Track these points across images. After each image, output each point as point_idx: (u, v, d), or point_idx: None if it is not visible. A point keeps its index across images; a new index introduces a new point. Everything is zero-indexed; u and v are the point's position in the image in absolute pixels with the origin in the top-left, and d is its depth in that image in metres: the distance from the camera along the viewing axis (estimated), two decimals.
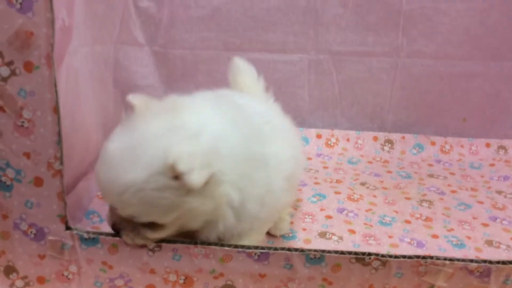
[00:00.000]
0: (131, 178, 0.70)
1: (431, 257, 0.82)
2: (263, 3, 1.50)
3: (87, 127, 1.19)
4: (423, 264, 0.82)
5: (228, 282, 0.85)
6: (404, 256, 0.82)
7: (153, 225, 0.77)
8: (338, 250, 0.82)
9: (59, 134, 0.76)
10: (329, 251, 0.82)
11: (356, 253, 0.82)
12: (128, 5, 1.44)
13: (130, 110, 0.79)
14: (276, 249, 0.82)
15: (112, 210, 0.79)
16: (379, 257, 0.82)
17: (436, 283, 0.83)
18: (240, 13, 1.49)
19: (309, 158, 1.54)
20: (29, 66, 0.72)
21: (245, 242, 0.85)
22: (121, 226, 0.79)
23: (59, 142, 0.77)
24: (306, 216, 1.17)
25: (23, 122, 0.75)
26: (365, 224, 1.15)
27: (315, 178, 1.40)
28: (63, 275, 0.85)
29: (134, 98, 0.78)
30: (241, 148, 0.80)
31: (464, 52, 1.54)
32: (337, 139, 1.62)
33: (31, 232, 0.82)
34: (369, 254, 0.82)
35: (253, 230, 0.87)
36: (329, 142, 1.62)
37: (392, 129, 1.63)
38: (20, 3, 0.69)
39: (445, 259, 0.82)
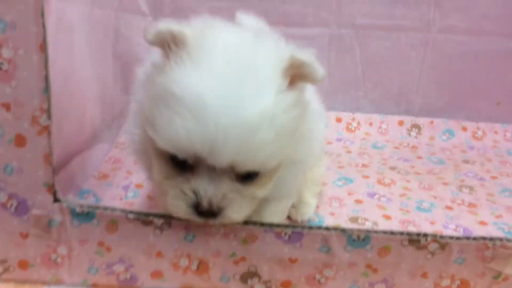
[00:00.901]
0: (262, 106, 0.54)
1: (501, 239, 0.67)
2: None
3: (82, 95, 1.05)
4: (490, 247, 0.67)
5: (251, 269, 0.70)
6: (468, 238, 0.67)
7: (258, 178, 0.61)
8: (387, 230, 0.67)
9: (46, 79, 0.61)
10: (375, 231, 0.67)
11: (409, 234, 0.67)
12: None
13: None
14: (311, 227, 0.67)
15: (194, 183, 0.59)
16: (437, 239, 0.67)
17: (504, 271, 0.69)
18: None
19: (329, 143, 1.39)
20: None
21: (268, 211, 0.72)
22: (225, 201, 0.60)
23: (47, 90, 0.61)
24: (332, 200, 1.03)
25: (2, 63, 0.60)
26: (401, 209, 1.01)
27: (338, 162, 1.25)
28: (50, 259, 0.70)
29: (183, 31, 0.58)
30: None
31: (502, 28, 1.40)
32: (358, 123, 1.47)
33: (11, 205, 0.67)
34: (425, 234, 0.67)
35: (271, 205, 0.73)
36: (349, 127, 1.47)
37: (419, 113, 1.49)
38: None
39: None
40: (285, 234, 0.67)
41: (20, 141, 0.64)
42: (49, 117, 0.63)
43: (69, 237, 0.68)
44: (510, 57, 1.42)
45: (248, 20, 0.89)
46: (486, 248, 0.67)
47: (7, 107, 0.62)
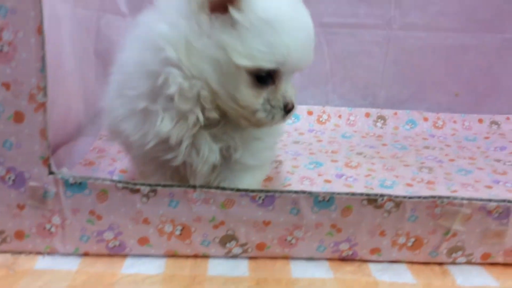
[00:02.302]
0: (310, 19, 0.75)
1: (448, 197, 0.77)
2: None
3: (67, 87, 1.11)
4: (439, 204, 0.76)
5: (229, 232, 0.78)
6: (419, 197, 0.76)
7: None
8: (348, 192, 0.76)
9: (43, 60, 0.68)
10: (339, 193, 0.76)
11: (368, 194, 0.76)
12: None
13: None
14: (282, 191, 0.76)
15: (270, 91, 0.74)
16: (392, 198, 0.76)
17: (453, 227, 0.78)
18: None
19: (301, 133, 1.49)
20: None
21: (245, 182, 0.82)
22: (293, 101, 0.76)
23: (43, 69, 0.69)
24: (304, 179, 1.12)
25: (2, 45, 0.67)
26: (365, 187, 1.10)
27: (310, 149, 1.34)
28: (44, 228, 0.76)
29: None
30: None
31: (458, 24, 1.52)
32: (328, 116, 1.57)
33: (9, 178, 0.73)
34: (382, 195, 0.76)
35: (249, 171, 0.84)
36: (320, 119, 1.57)
37: (384, 105, 1.59)
38: None
39: (462, 198, 0.76)
40: (259, 198, 0.75)
41: (18, 117, 0.70)
42: (45, 94, 0.70)
43: (63, 207, 0.75)
44: (466, 52, 1.54)
45: None
46: (435, 206, 0.76)
47: (7, 86, 0.69)
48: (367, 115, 1.58)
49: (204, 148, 0.78)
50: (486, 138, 1.50)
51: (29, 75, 0.68)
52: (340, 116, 1.58)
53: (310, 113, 1.57)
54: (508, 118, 1.60)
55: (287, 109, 0.76)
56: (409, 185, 1.12)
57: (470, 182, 1.15)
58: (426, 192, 1.09)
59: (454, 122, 1.59)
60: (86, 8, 1.25)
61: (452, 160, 1.31)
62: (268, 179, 1.11)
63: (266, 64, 0.70)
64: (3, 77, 0.68)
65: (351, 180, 1.13)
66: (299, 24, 0.72)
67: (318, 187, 1.08)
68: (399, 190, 1.09)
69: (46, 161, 0.73)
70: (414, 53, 1.54)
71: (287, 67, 0.72)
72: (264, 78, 0.72)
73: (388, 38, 1.53)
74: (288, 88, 0.75)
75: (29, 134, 0.71)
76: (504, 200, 0.77)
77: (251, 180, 0.86)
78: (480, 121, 1.60)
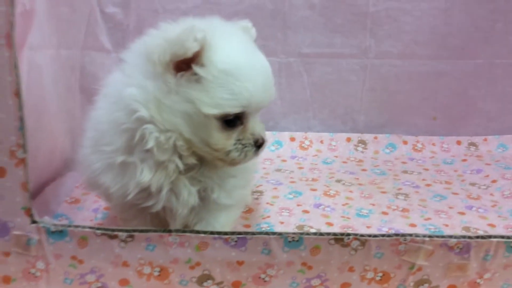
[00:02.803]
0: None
1: (410, 235, 0.81)
2: (231, 7, 1.51)
3: (52, 129, 1.15)
4: (402, 242, 0.80)
5: (205, 272, 0.82)
6: (383, 235, 0.81)
7: None
8: (316, 232, 0.80)
9: (21, 119, 0.73)
10: (307, 233, 0.80)
11: (335, 234, 0.80)
12: (94, 10, 1.42)
13: None
14: (253, 233, 0.80)
15: (241, 130, 0.80)
16: (358, 237, 0.80)
17: (417, 262, 0.82)
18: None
19: (284, 160, 1.53)
20: None
21: (220, 221, 0.88)
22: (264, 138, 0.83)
23: (22, 128, 0.73)
24: (283, 210, 1.16)
25: None
26: (342, 217, 1.14)
27: (291, 178, 1.38)
28: (29, 273, 0.80)
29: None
30: None
31: (431, 52, 1.57)
32: (311, 142, 1.62)
33: None
34: (348, 234, 0.80)
35: (224, 210, 0.89)
36: (302, 145, 1.61)
37: (364, 130, 1.64)
38: None
39: (424, 236, 0.81)
40: (232, 239, 0.79)
41: (1, 172, 0.75)
42: (24, 151, 0.74)
43: (46, 253, 0.79)
44: (440, 77, 1.60)
45: None
46: (399, 243, 0.81)
47: None
48: (348, 139, 1.63)
49: (184, 192, 0.83)
50: (464, 160, 1.55)
51: (8, 133, 0.73)
52: (322, 142, 1.62)
53: (292, 139, 1.62)
54: (485, 139, 1.65)
55: (258, 145, 0.82)
56: (384, 213, 1.16)
57: (444, 208, 1.19)
58: (400, 220, 1.13)
59: (433, 144, 1.63)
60: (69, 48, 1.30)
61: (428, 185, 1.35)
62: (249, 210, 1.15)
63: (232, 109, 0.76)
64: None
65: (329, 210, 1.17)
66: (256, 69, 0.78)
67: (296, 218, 1.12)
68: (375, 219, 1.13)
69: (28, 211, 0.77)
70: (390, 79, 1.59)
71: (251, 108, 0.78)
72: (232, 121, 0.78)
73: (365, 66, 1.58)
74: (256, 125, 0.82)
75: (11, 187, 0.75)
76: (464, 236, 0.81)
77: (226, 219, 0.91)
78: (459, 142, 1.64)
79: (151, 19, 1.47)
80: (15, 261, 0.80)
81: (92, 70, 1.43)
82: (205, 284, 0.83)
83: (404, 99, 1.62)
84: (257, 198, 1.23)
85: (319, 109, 1.63)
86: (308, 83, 1.59)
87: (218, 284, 0.83)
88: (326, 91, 1.60)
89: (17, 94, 0.72)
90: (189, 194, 0.83)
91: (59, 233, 0.78)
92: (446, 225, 1.10)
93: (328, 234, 0.80)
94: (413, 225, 1.11)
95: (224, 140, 0.79)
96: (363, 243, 0.80)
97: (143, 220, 0.88)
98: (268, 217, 1.12)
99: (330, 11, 1.52)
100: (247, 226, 1.08)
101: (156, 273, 0.82)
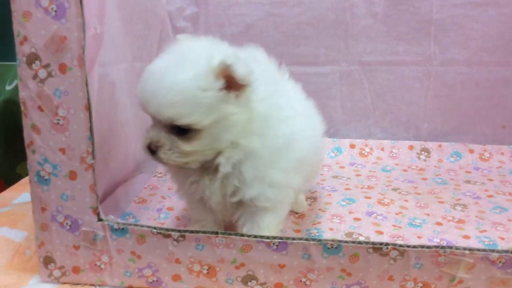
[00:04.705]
0: (177, 78, 0.79)
1: (450, 247, 0.81)
2: (293, 18, 1.56)
3: (125, 136, 1.27)
4: (442, 254, 0.81)
5: (249, 272, 0.88)
6: (422, 246, 0.82)
7: (188, 137, 0.84)
8: (355, 240, 0.83)
9: (90, 130, 0.83)
10: (346, 241, 0.83)
11: (373, 243, 0.83)
12: (166, 25, 1.54)
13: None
14: (294, 239, 0.85)
15: (148, 130, 0.87)
16: (396, 247, 0.82)
17: (458, 274, 0.82)
18: (272, 29, 1.56)
19: (342, 167, 1.55)
20: (63, 68, 0.80)
21: (265, 222, 0.92)
22: (158, 144, 0.85)
23: (91, 137, 0.83)
24: (334, 217, 1.19)
25: (58, 119, 0.83)
26: (393, 226, 1.15)
27: (347, 184, 1.41)
28: (96, 265, 0.91)
29: (180, 36, 0.93)
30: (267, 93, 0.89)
31: (499, 58, 1.53)
32: (371, 149, 1.63)
33: (66, 223, 0.89)
34: (386, 244, 0.82)
35: (268, 211, 0.93)
36: (363, 152, 1.62)
37: (428, 138, 1.62)
38: (55, 11, 0.77)
39: (464, 249, 0.81)
40: (273, 243, 0.85)
41: (72, 175, 0.86)
42: (93, 157, 0.85)
43: (110, 248, 0.89)
44: (509, 84, 1.54)
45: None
46: (438, 255, 0.82)
47: (63, 151, 0.84)
48: (411, 147, 1.62)
49: (206, 191, 0.92)
50: None
51: (79, 142, 0.83)
52: (382, 149, 1.62)
53: (352, 146, 1.64)
54: None
55: (146, 147, 0.88)
56: (438, 224, 1.16)
57: (503, 221, 1.16)
58: (454, 231, 1.12)
59: (502, 154, 1.58)
60: (141, 61, 1.42)
61: (490, 196, 1.32)
62: (301, 216, 1.20)
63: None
64: (59, 144, 0.84)
65: (380, 219, 1.18)
66: (149, 77, 0.85)
67: (346, 225, 1.15)
68: (427, 229, 1.13)
69: (95, 210, 0.88)
70: (456, 87, 1.56)
71: (146, 112, 0.87)
72: None
73: (429, 73, 1.56)
74: (150, 131, 0.88)
75: (81, 189, 0.86)
76: (507, 251, 0.80)
77: (272, 220, 0.96)
78: None
79: (218, 31, 1.56)
80: (83, 254, 0.91)
81: None
82: (249, 284, 0.89)
83: (470, 107, 1.58)
84: (310, 204, 1.27)
85: (381, 117, 1.63)
86: (369, 91, 1.61)
87: (261, 284, 0.89)
88: (388, 99, 1.60)
89: (87, 108, 0.82)
90: (211, 193, 0.92)
91: (121, 231, 0.88)
92: (502, 238, 1.08)
93: (367, 243, 0.83)
94: (466, 237, 1.09)
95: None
96: (401, 253, 0.82)
97: (201, 209, 1.00)
98: (319, 223, 1.16)
99: (393, 20, 1.53)
100: (297, 231, 1.13)
101: (205, 271, 0.89)
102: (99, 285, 0.93)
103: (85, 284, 0.93)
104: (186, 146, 0.85)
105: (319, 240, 0.84)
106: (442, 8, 1.49)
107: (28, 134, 0.85)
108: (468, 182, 1.42)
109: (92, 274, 0.92)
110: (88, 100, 0.82)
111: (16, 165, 1.66)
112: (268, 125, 0.89)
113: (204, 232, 0.86)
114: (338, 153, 1.61)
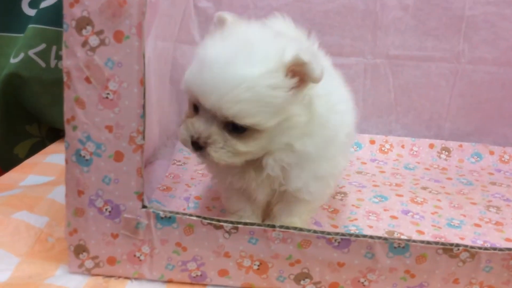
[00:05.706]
0: (246, 73, 0.71)
1: None
2: (321, 6, 1.49)
3: (151, 118, 1.18)
4: None
5: (304, 270, 0.82)
6: (495, 248, 0.78)
7: (244, 136, 0.76)
8: (424, 240, 0.78)
9: (143, 107, 0.75)
10: (414, 240, 0.78)
11: (443, 244, 0.78)
12: (189, 4, 1.45)
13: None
14: (358, 236, 0.79)
15: (191, 121, 0.78)
16: (468, 248, 0.77)
17: None
18: (298, 15, 1.48)
19: (363, 163, 1.51)
20: (119, 36, 0.72)
21: (298, 209, 0.90)
22: (209, 140, 0.77)
23: (143, 115, 0.75)
24: (370, 214, 1.14)
25: (108, 93, 0.74)
26: (433, 225, 1.11)
27: (373, 181, 1.36)
28: (134, 256, 0.83)
29: (224, 14, 0.81)
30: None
31: None
32: (391, 145, 1.58)
33: (106, 209, 0.80)
34: (457, 245, 0.78)
35: (304, 205, 0.90)
36: (383, 148, 1.58)
37: (449, 137, 1.59)
38: None
39: None
40: (335, 240, 0.79)
41: (118, 156, 0.77)
42: (143, 137, 0.76)
43: (153, 237, 0.81)
44: None
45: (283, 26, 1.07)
46: (511, 258, 0.78)
47: (109, 128, 0.76)
48: (431, 146, 1.58)
49: (252, 182, 0.87)
50: None
51: (130, 120, 0.75)
52: (403, 146, 1.58)
53: (372, 142, 1.59)
54: None
55: (191, 141, 0.81)
56: (477, 225, 1.12)
57: None
58: (495, 234, 1.08)
59: None
60: (164, 40, 1.33)
61: None
62: (334, 211, 1.14)
63: (183, 87, 0.82)
64: (107, 121, 0.75)
65: (418, 218, 1.14)
66: (210, 65, 0.75)
67: (384, 223, 1.10)
68: (467, 230, 1.09)
69: (140, 196, 0.79)
70: (482, 86, 1.53)
71: (195, 100, 0.80)
72: (194, 104, 0.82)
73: (456, 71, 1.52)
74: (200, 123, 0.80)
75: (127, 172, 0.78)
76: None
77: (305, 208, 0.92)
78: None
79: (242, 14, 1.48)
80: (122, 243, 0.82)
81: (182, 63, 1.46)
82: (302, 282, 0.83)
83: (495, 108, 1.56)
84: (341, 199, 1.21)
85: (403, 113, 1.59)
86: (393, 86, 1.56)
87: (315, 283, 0.83)
88: (412, 95, 1.56)
89: (142, 82, 0.74)
90: (257, 185, 0.86)
91: (167, 219, 0.80)
92: None
93: (437, 243, 0.78)
94: (509, 240, 1.06)
95: (185, 114, 0.84)
96: (472, 255, 0.78)
97: (239, 202, 0.95)
98: (356, 219, 1.10)
99: (424, 14, 1.48)
100: (335, 226, 1.07)
101: (255, 267, 0.82)
102: (135, 279, 0.85)
103: (120, 277, 0.85)
104: (241, 146, 0.77)
105: (386, 239, 0.78)
106: (475, 4, 1.45)
107: (69, 107, 0.76)
108: (493, 183, 1.40)
109: (129, 266, 0.84)
110: (144, 74, 0.73)
111: (14, 145, 1.54)
112: (324, 126, 0.83)
113: (259, 224, 0.80)
114: (358, 148, 1.56)
